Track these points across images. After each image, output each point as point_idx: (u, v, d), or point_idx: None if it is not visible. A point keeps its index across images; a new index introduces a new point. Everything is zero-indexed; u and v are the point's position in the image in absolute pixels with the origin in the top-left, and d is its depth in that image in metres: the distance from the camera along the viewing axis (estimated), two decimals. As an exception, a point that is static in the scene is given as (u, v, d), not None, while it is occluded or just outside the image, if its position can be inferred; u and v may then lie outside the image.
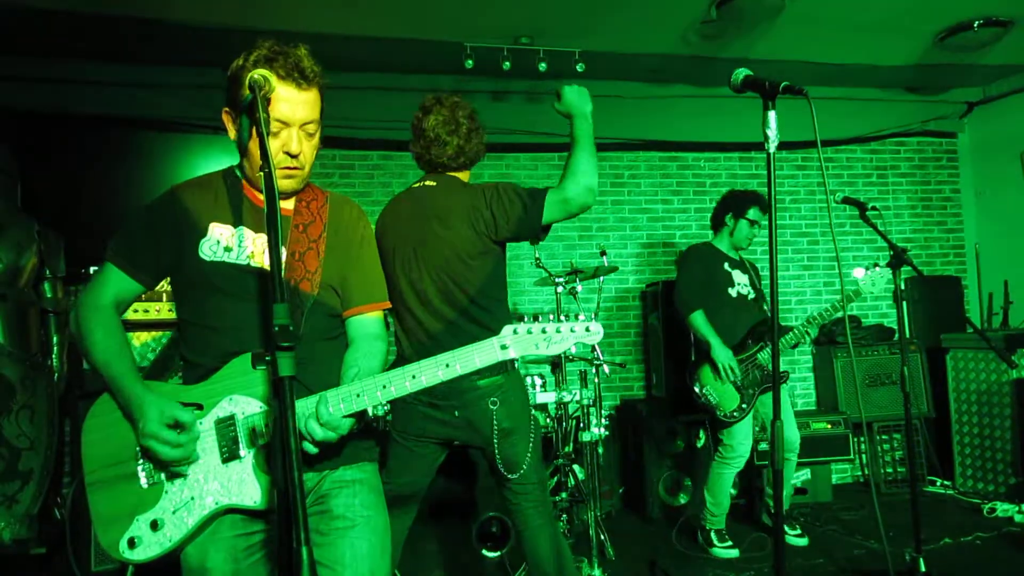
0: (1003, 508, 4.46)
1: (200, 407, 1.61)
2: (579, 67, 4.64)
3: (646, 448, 4.70)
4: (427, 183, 2.62)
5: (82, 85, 4.42)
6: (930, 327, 5.45)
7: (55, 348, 3.84)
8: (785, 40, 4.66)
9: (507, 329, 1.58)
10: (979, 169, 6.03)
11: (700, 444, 4.69)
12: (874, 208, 3.37)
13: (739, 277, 4.06)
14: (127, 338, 1.68)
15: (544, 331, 1.57)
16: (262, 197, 1.68)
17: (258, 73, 1.44)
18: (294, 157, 1.65)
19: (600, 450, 4.09)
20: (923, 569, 3.22)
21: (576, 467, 4.09)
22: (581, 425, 3.99)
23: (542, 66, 4.59)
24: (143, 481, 1.59)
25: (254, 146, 1.60)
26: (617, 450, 4.99)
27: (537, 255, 4.10)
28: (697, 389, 3.92)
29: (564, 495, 3.98)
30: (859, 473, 5.50)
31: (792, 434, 3.92)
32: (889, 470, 5.21)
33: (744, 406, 3.85)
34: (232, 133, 1.69)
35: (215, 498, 1.57)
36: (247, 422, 1.60)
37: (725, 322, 3.92)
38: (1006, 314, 5.44)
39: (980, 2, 4.31)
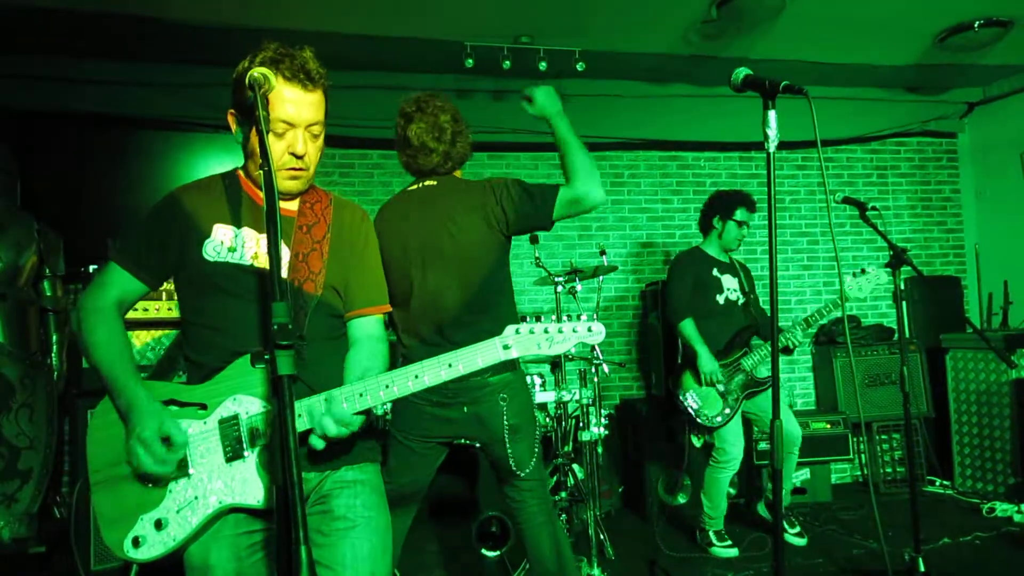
0: (1002, 508, 4.46)
1: (204, 407, 1.61)
2: (579, 66, 4.64)
3: (645, 448, 4.70)
4: (427, 183, 2.62)
5: (82, 84, 4.41)
6: (930, 327, 5.45)
7: (54, 347, 3.84)
8: (785, 40, 4.66)
9: (509, 329, 1.58)
10: (979, 169, 6.03)
11: (699, 444, 4.69)
12: (874, 208, 3.37)
13: (728, 282, 4.07)
14: (129, 339, 1.69)
15: (546, 331, 1.57)
16: (262, 196, 1.69)
17: (258, 71, 1.45)
18: (299, 158, 1.67)
19: (599, 449, 4.10)
20: (922, 569, 3.22)
21: (576, 467, 4.09)
22: (580, 424, 3.99)
23: (542, 65, 4.58)
24: (147, 480, 1.59)
25: (257, 145, 1.61)
26: (616, 449, 4.99)
27: (537, 255, 4.10)
28: (680, 395, 3.95)
29: (564, 495, 3.97)
30: (858, 473, 5.50)
31: (793, 428, 3.93)
32: (888, 470, 5.21)
33: (727, 411, 3.86)
34: (237, 135, 1.71)
35: (219, 497, 1.58)
36: (251, 422, 1.60)
37: (711, 329, 3.94)
38: (1006, 314, 5.44)
39: (980, 2, 4.31)
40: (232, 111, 1.70)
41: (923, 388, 5.23)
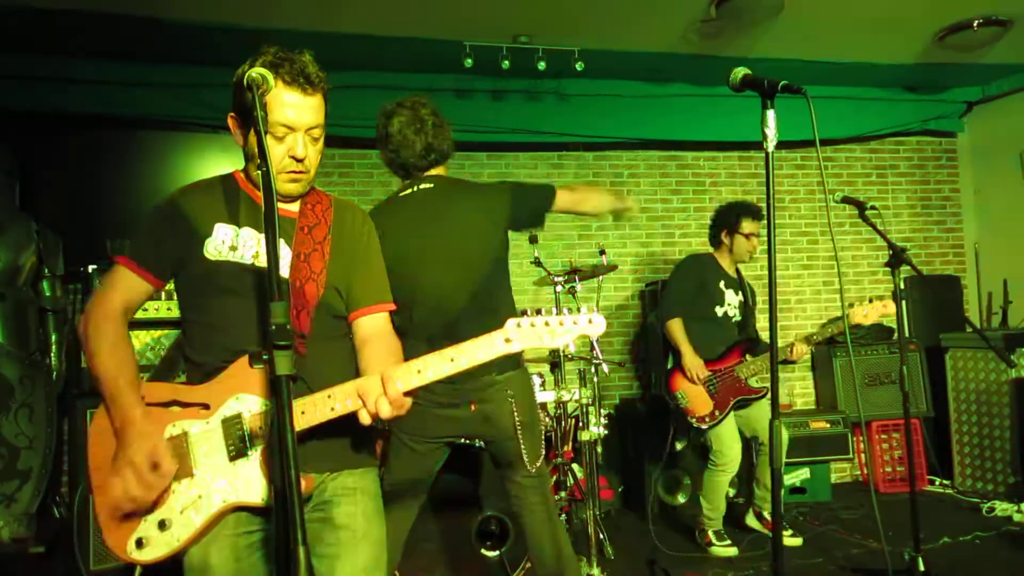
0: (1002, 507, 4.46)
1: (207, 406, 1.61)
2: (578, 66, 4.63)
3: (645, 447, 4.70)
4: (422, 186, 2.60)
5: (81, 84, 4.41)
6: (929, 327, 5.45)
7: (54, 347, 3.84)
8: (785, 39, 4.66)
9: (511, 322, 1.57)
10: (978, 168, 6.03)
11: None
12: (873, 207, 3.37)
13: (731, 298, 4.09)
14: (133, 352, 1.67)
15: (547, 324, 1.56)
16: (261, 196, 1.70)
17: (256, 72, 1.45)
18: (300, 161, 1.68)
19: (599, 449, 4.09)
20: (922, 568, 3.22)
21: (575, 466, 4.09)
22: (580, 424, 3.99)
23: (541, 65, 4.58)
24: None
25: (256, 146, 1.61)
26: (616, 449, 4.99)
27: (536, 254, 4.10)
28: (670, 395, 3.99)
29: (563, 494, 3.98)
30: (858, 472, 5.51)
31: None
32: (888, 469, 5.21)
33: (716, 412, 3.88)
34: (238, 138, 1.72)
35: (223, 496, 1.58)
36: (254, 421, 1.61)
37: (703, 336, 3.96)
38: (1005, 313, 5.44)
39: (980, 1, 4.31)
40: (232, 114, 1.71)
41: (923, 387, 5.23)
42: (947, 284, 5.76)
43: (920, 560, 3.22)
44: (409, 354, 1.69)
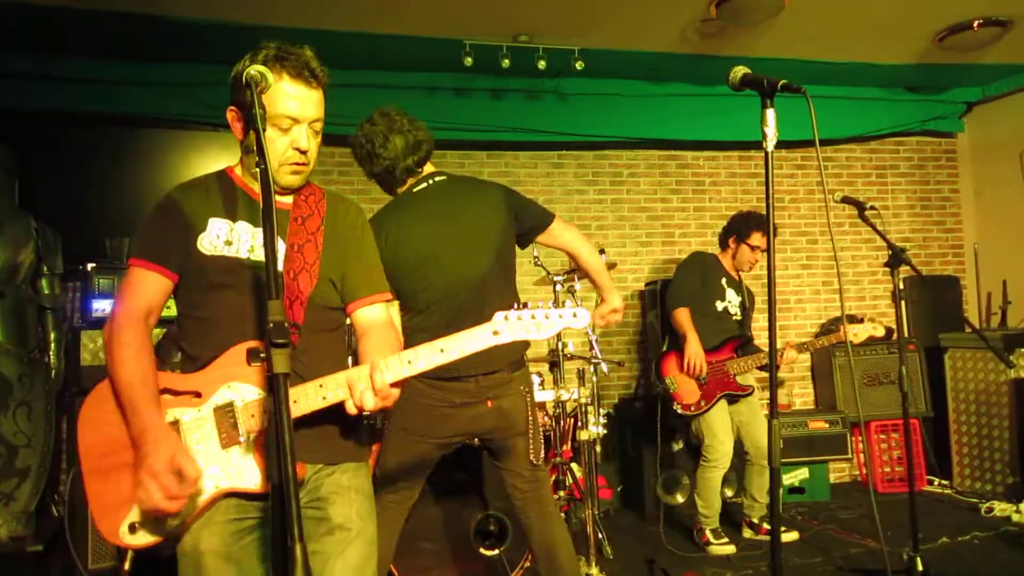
0: (1001, 507, 4.46)
1: (199, 394, 1.62)
2: (578, 65, 4.63)
3: (644, 446, 4.70)
4: (436, 179, 2.64)
5: (80, 82, 4.40)
6: (928, 327, 5.45)
7: (52, 345, 3.83)
8: (784, 39, 4.66)
9: (499, 315, 1.61)
10: (978, 169, 6.03)
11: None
12: (873, 208, 3.38)
13: (731, 295, 4.16)
14: (154, 361, 1.64)
15: (533, 316, 1.61)
16: (258, 191, 1.70)
17: (255, 69, 1.46)
18: (303, 153, 1.71)
19: (598, 449, 4.09)
20: (920, 568, 3.22)
21: (574, 466, 4.09)
22: (579, 424, 3.99)
23: (541, 64, 4.57)
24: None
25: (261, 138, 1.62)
26: (615, 448, 4.99)
27: (535, 254, 4.09)
28: (659, 376, 4.04)
29: (562, 494, 3.97)
30: (857, 472, 5.51)
31: (763, 441, 3.94)
32: (887, 469, 5.21)
33: (702, 402, 3.93)
34: (237, 132, 1.73)
35: (215, 482, 1.59)
36: (246, 409, 1.61)
37: (701, 329, 3.99)
38: (1004, 314, 5.44)
39: (980, 2, 4.31)
40: (233, 108, 1.71)
41: (922, 388, 5.23)
42: (946, 284, 5.76)
43: (918, 560, 3.22)
44: (428, 336, 1.71)
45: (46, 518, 3.74)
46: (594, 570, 3.44)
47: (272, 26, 4.04)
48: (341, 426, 1.73)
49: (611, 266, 4.26)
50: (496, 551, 3.55)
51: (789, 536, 4.07)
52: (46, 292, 3.85)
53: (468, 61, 4.50)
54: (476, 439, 2.76)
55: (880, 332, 3.73)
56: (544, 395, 3.96)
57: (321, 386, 1.59)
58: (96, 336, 3.75)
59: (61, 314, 3.95)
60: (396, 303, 2.53)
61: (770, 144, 1.82)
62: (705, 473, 3.97)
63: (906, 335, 5.41)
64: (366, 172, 2.68)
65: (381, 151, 2.57)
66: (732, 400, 4.02)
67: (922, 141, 6.07)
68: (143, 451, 1.50)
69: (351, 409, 1.57)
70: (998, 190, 5.83)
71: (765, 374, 4.69)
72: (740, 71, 1.89)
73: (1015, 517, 4.31)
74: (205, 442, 1.61)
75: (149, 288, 1.68)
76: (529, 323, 1.61)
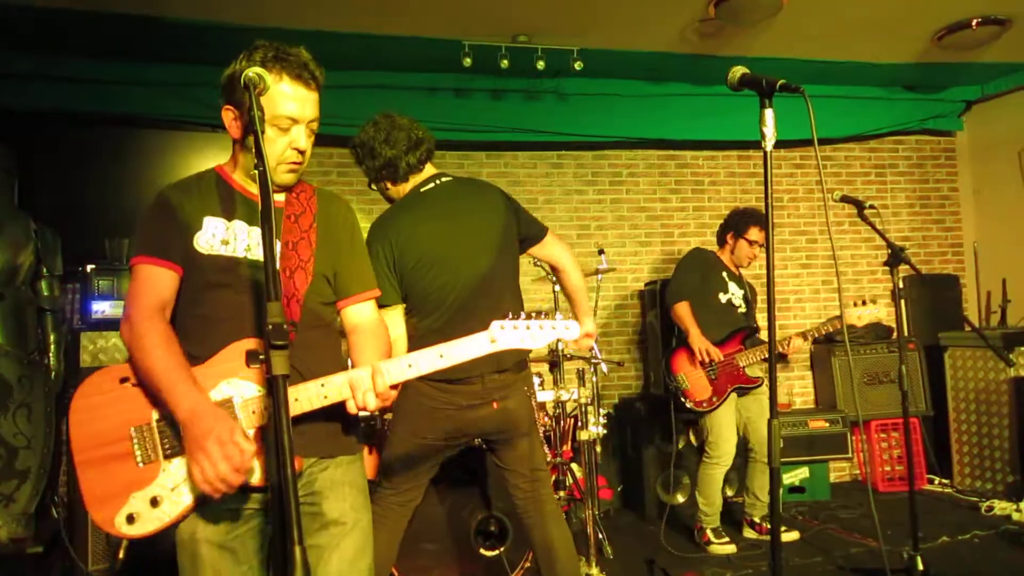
0: (1001, 506, 4.46)
1: None
2: (577, 65, 4.63)
3: (644, 446, 4.70)
4: (443, 180, 2.67)
5: (80, 83, 4.40)
6: (928, 326, 5.45)
7: (52, 346, 3.83)
8: (783, 38, 4.66)
9: (495, 324, 1.71)
10: (977, 167, 6.03)
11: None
12: (872, 207, 3.37)
13: (734, 288, 4.16)
14: (180, 346, 1.64)
15: (528, 327, 1.73)
16: (253, 191, 1.73)
17: (253, 72, 1.47)
18: (301, 153, 1.73)
19: (598, 448, 4.09)
20: (920, 567, 3.22)
21: (574, 466, 4.09)
22: (579, 424, 3.99)
23: (540, 64, 4.57)
24: (138, 460, 1.61)
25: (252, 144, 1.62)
26: (615, 448, 4.99)
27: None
28: (670, 374, 4.02)
29: (562, 494, 3.97)
30: (857, 471, 5.51)
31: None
32: (887, 468, 5.21)
33: (714, 398, 3.91)
34: (234, 130, 1.73)
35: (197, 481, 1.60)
36: (245, 405, 1.63)
37: (707, 322, 3.99)
38: (1004, 312, 5.44)
39: (978, 1, 4.31)
40: (229, 107, 1.71)
41: (922, 387, 5.23)
42: (946, 283, 5.76)
43: (919, 559, 3.22)
44: (440, 337, 1.78)
45: (46, 520, 3.74)
46: (594, 570, 3.44)
47: (271, 27, 4.04)
48: (335, 421, 1.76)
49: (610, 268, 4.26)
50: (496, 551, 3.55)
51: (790, 536, 4.07)
52: (45, 294, 3.85)
53: (467, 61, 4.50)
54: (479, 440, 2.76)
55: (883, 313, 3.66)
56: (544, 395, 3.96)
57: (323, 385, 1.63)
58: (95, 337, 3.75)
59: (60, 316, 3.95)
60: (397, 308, 2.53)
61: (769, 144, 1.82)
62: (707, 470, 3.97)
63: (906, 334, 5.41)
64: (368, 171, 2.69)
65: (384, 147, 2.59)
66: (742, 392, 4.00)
67: (921, 140, 6.07)
68: (202, 426, 1.49)
69: (352, 408, 1.63)
70: (997, 188, 5.83)
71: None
72: (739, 71, 1.89)
73: (1015, 516, 4.32)
74: None
75: (159, 283, 1.68)
76: (524, 333, 1.72)
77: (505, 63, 4.53)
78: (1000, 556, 3.76)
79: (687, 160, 5.70)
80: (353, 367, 1.81)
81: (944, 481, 5.14)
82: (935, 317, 5.51)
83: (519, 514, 2.74)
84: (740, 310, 4.14)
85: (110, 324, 3.78)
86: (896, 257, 3.31)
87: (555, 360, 3.97)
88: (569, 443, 4.20)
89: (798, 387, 5.68)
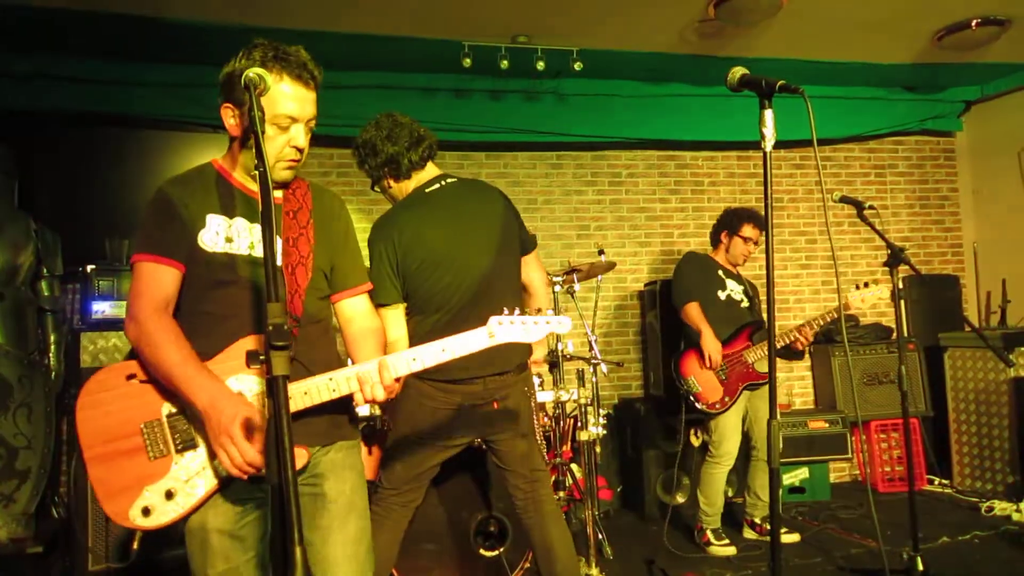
0: (1001, 507, 4.46)
1: None
2: (577, 66, 4.63)
3: (644, 447, 4.70)
4: (448, 181, 2.68)
5: (80, 83, 4.40)
6: (928, 326, 5.45)
7: (52, 347, 3.83)
8: (783, 39, 4.66)
9: (493, 320, 1.80)
10: (977, 168, 6.03)
11: (698, 444, 4.69)
12: (872, 207, 3.37)
13: (732, 285, 4.16)
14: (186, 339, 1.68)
15: (523, 322, 1.83)
16: (253, 188, 1.77)
17: (254, 72, 1.48)
18: (300, 151, 1.76)
19: (598, 449, 4.09)
20: (920, 568, 3.22)
21: (574, 466, 4.09)
22: (579, 424, 3.99)
23: (540, 65, 4.57)
24: (149, 454, 1.65)
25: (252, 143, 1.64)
26: (615, 449, 4.99)
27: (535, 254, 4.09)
28: (681, 377, 4.00)
29: (562, 494, 3.97)
30: (857, 472, 5.51)
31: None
32: (887, 469, 5.21)
33: (727, 399, 3.90)
34: (233, 128, 1.75)
35: (225, 467, 1.64)
36: (256, 400, 1.67)
37: (711, 321, 3.99)
38: (1004, 313, 5.44)
39: (978, 1, 4.31)
40: (228, 105, 1.73)
41: (921, 387, 5.23)
42: (946, 283, 5.76)
43: (919, 560, 3.22)
44: (444, 332, 1.82)
45: (46, 520, 3.74)
46: (594, 570, 3.44)
47: (271, 27, 4.04)
48: (335, 412, 1.82)
49: (610, 267, 4.26)
50: (496, 552, 3.55)
51: (790, 538, 4.06)
52: (46, 294, 3.85)
53: (467, 62, 4.50)
54: (479, 440, 2.77)
55: (886, 293, 3.57)
56: (544, 396, 3.96)
57: (331, 379, 1.69)
58: (96, 338, 3.75)
59: (61, 316, 3.95)
60: (399, 307, 2.54)
61: (768, 145, 1.82)
62: (710, 469, 3.97)
63: (906, 334, 5.41)
64: (370, 170, 2.69)
65: (386, 143, 2.61)
66: (753, 388, 3.98)
67: (921, 140, 6.07)
68: (225, 414, 1.54)
69: (359, 401, 1.71)
70: (997, 189, 5.83)
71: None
72: (738, 72, 1.89)
73: (1015, 516, 4.31)
74: None
75: (162, 281, 1.70)
76: (520, 327, 1.82)
77: (505, 63, 4.53)
78: (1000, 557, 3.76)
79: (687, 160, 5.70)
80: (351, 358, 1.92)
81: (944, 481, 5.14)
82: (935, 317, 5.51)
83: (519, 514, 2.75)
84: (743, 305, 4.13)
85: (110, 324, 3.78)
86: (896, 257, 3.32)
87: (555, 361, 3.97)
88: (569, 443, 4.19)
89: (798, 387, 5.68)
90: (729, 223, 4.18)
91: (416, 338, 2.49)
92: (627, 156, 5.60)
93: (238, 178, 1.81)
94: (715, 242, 4.28)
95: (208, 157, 1.89)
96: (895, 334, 4.77)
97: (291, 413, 1.58)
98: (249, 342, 1.68)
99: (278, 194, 1.84)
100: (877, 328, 5.49)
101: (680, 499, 4.67)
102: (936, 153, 6.11)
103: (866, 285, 3.69)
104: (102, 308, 3.80)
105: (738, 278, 4.21)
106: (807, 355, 5.65)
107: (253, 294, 1.72)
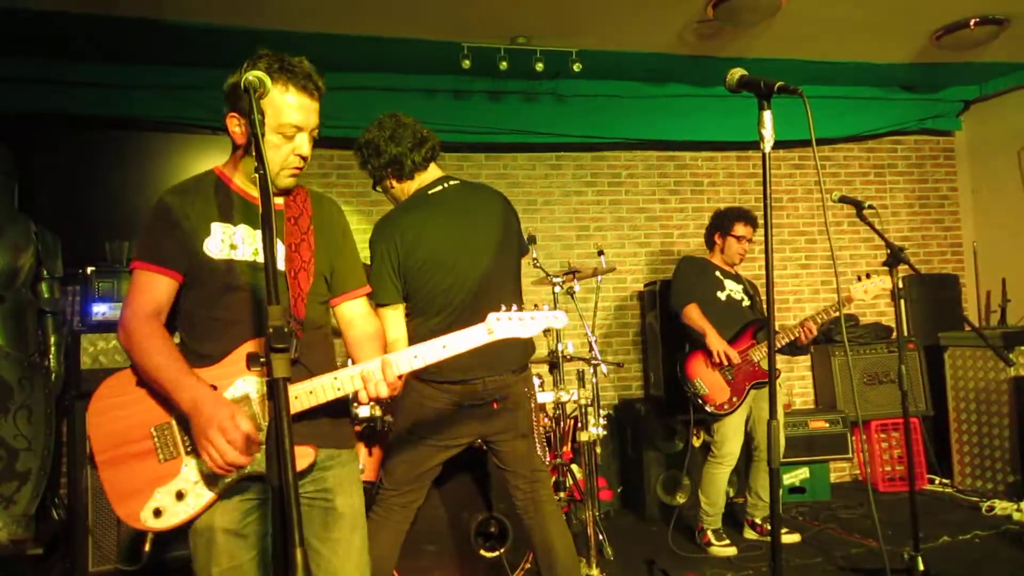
0: (1002, 506, 4.46)
1: (214, 388, 1.70)
2: (576, 67, 4.64)
3: (644, 447, 4.70)
4: (451, 183, 2.69)
5: (81, 86, 4.40)
6: (928, 325, 5.45)
7: (52, 348, 3.84)
8: (782, 39, 4.66)
9: (491, 316, 1.83)
10: (976, 167, 6.04)
11: (699, 444, 4.70)
12: (871, 207, 3.37)
13: (731, 284, 4.15)
14: (176, 347, 1.74)
15: (520, 318, 1.87)
16: (254, 194, 1.80)
17: (254, 75, 1.49)
18: (303, 159, 1.82)
19: (598, 450, 4.09)
20: (921, 567, 3.22)
21: (574, 467, 4.09)
22: (579, 425, 3.99)
23: (539, 66, 4.58)
24: (160, 457, 1.69)
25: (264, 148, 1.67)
26: (615, 450, 4.99)
27: (534, 255, 4.09)
28: (688, 380, 3.98)
29: (562, 495, 3.97)
30: (857, 472, 5.51)
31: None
32: (887, 468, 5.22)
33: (735, 399, 3.89)
34: (239, 137, 1.78)
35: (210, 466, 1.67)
36: (263, 401, 1.72)
37: (713, 322, 3.98)
38: (1004, 312, 5.44)
39: (977, 0, 4.31)
40: (234, 115, 1.76)
41: (922, 386, 5.23)
42: (945, 283, 5.76)
43: (919, 559, 3.22)
44: (445, 334, 1.83)
45: (46, 521, 3.75)
46: (595, 571, 3.44)
47: (272, 30, 4.05)
48: (335, 415, 1.87)
49: (610, 268, 4.27)
50: (497, 552, 3.55)
51: (791, 538, 4.06)
52: (46, 296, 3.85)
53: (466, 63, 4.50)
54: (480, 440, 2.77)
55: (888, 283, 3.55)
56: (544, 396, 3.96)
57: (336, 378, 1.73)
58: (96, 339, 3.76)
59: (61, 318, 3.95)
60: (399, 307, 2.54)
61: (767, 145, 1.83)
62: (712, 469, 3.97)
63: (906, 334, 5.41)
64: (372, 171, 2.69)
65: (389, 144, 2.61)
66: (760, 387, 3.96)
67: (920, 140, 6.07)
68: (204, 416, 1.59)
69: (363, 399, 1.75)
70: (996, 188, 5.83)
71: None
72: (737, 73, 1.90)
73: (1016, 516, 4.32)
74: None
75: (155, 289, 1.74)
76: (517, 323, 1.86)
77: (504, 65, 4.54)
78: (1001, 556, 3.76)
79: (686, 161, 5.71)
80: (352, 359, 1.95)
81: (944, 481, 5.14)
82: (935, 317, 5.51)
83: (519, 515, 2.75)
84: (744, 304, 4.12)
85: (110, 326, 3.78)
86: (895, 257, 3.32)
87: (555, 361, 3.97)
88: (569, 444, 4.20)
89: (798, 387, 5.68)
90: (720, 224, 4.19)
91: (417, 340, 2.49)
92: (626, 157, 5.61)
93: (239, 184, 1.84)
94: (710, 245, 4.29)
95: (209, 159, 1.91)
96: (895, 333, 4.77)
97: (297, 412, 1.66)
98: (253, 346, 1.72)
99: (279, 201, 1.87)
100: (877, 328, 5.50)
101: (681, 499, 4.67)
102: (935, 152, 6.11)
103: (868, 276, 3.69)
104: (102, 310, 3.80)
105: (737, 278, 4.21)
106: (807, 355, 5.65)
107: (257, 299, 1.76)
